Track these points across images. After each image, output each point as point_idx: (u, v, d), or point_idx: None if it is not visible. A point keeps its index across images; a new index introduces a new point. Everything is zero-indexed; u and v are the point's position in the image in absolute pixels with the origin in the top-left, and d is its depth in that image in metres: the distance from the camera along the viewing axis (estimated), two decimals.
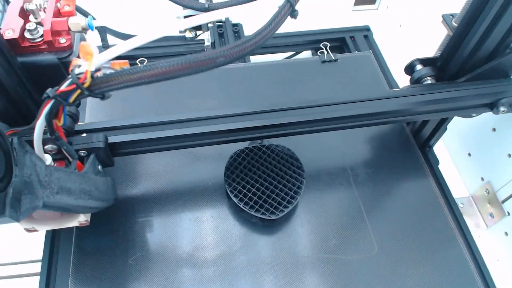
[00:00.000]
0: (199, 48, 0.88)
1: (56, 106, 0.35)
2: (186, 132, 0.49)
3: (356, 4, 1.08)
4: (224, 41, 0.85)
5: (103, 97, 0.35)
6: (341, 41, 0.91)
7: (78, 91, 0.34)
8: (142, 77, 0.33)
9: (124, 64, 0.36)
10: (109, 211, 0.56)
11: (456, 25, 0.53)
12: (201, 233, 0.55)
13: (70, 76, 0.33)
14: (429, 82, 0.57)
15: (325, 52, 0.78)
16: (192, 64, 0.32)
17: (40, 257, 0.53)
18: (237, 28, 0.86)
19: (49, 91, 0.34)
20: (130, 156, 0.62)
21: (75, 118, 0.47)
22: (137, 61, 0.75)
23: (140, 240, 0.54)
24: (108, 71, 0.34)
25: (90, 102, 0.67)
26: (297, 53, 0.98)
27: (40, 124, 0.36)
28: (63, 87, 0.34)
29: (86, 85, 0.33)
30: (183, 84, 0.71)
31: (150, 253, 0.53)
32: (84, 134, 0.46)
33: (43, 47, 0.43)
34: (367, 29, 0.92)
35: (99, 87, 0.34)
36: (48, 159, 0.42)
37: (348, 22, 0.95)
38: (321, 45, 0.80)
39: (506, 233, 0.69)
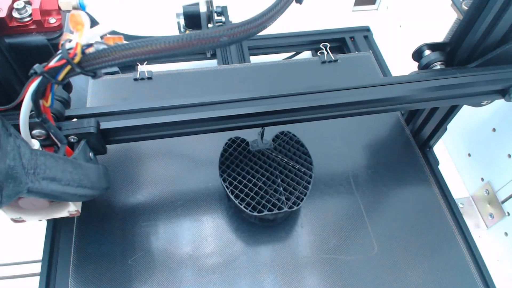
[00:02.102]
0: None
1: (43, 84, 0.33)
2: (183, 118, 0.46)
3: (356, 4, 1.08)
4: None
5: (94, 75, 0.33)
6: (341, 42, 0.91)
7: (68, 67, 0.32)
8: (137, 53, 0.30)
9: (119, 39, 0.34)
10: (109, 212, 0.56)
11: (466, 8, 0.51)
12: (201, 233, 0.55)
13: (60, 51, 0.31)
14: (438, 67, 0.55)
15: (325, 53, 0.78)
16: (193, 42, 0.30)
17: (40, 257, 0.53)
18: None
19: (37, 67, 0.32)
20: (130, 156, 0.62)
21: (65, 103, 0.44)
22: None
23: (140, 241, 0.54)
24: (101, 47, 0.32)
25: (90, 103, 0.67)
26: (297, 53, 0.98)
27: (26, 105, 0.34)
28: (52, 62, 0.32)
29: (76, 60, 0.31)
30: (183, 84, 0.71)
31: (149, 253, 0.53)
32: (75, 119, 0.43)
33: (32, 27, 0.40)
34: (367, 29, 0.92)
35: (90, 63, 0.32)
36: (35, 144, 0.39)
37: (348, 22, 0.96)
38: (321, 46, 0.80)
39: (506, 234, 0.69)
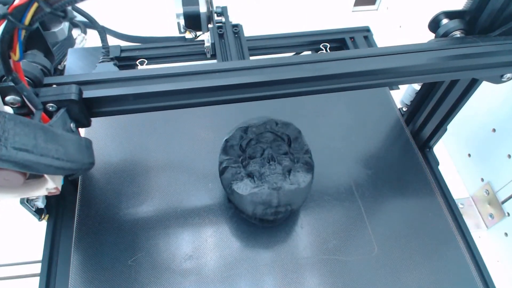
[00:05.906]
0: (199, 49, 0.88)
1: (9, 29, 0.29)
2: (176, 87, 0.41)
3: (356, 4, 1.08)
4: (224, 42, 0.85)
5: (65, 15, 0.30)
6: (341, 42, 0.91)
7: (35, 6, 0.28)
8: None
9: None
10: (109, 212, 0.56)
11: None
12: (201, 234, 0.55)
13: None
14: (458, 36, 0.51)
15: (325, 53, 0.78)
16: None
17: (40, 257, 0.53)
18: (237, 29, 0.86)
19: None
20: (130, 157, 0.62)
21: (46, 72, 0.40)
22: (137, 62, 0.75)
23: (140, 241, 0.54)
24: None
25: None
26: (297, 54, 0.98)
27: None
28: (17, 1, 0.28)
29: None
30: None
31: (149, 254, 0.53)
32: (54, 86, 0.39)
33: None
34: (367, 30, 0.92)
35: None
36: (8, 111, 0.35)
37: (348, 22, 0.96)
38: (321, 46, 0.80)
39: (506, 234, 0.69)
